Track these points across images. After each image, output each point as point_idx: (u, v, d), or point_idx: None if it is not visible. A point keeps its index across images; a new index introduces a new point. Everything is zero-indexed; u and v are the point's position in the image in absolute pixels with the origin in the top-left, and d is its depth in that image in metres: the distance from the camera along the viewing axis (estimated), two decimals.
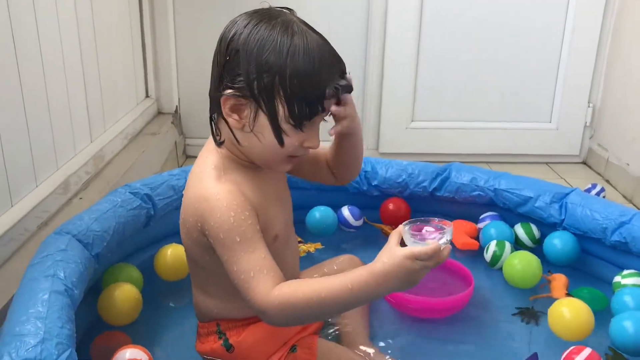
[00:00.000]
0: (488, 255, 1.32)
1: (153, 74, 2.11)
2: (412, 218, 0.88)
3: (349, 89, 0.88)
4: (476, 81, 2.19)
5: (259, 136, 0.87)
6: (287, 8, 0.91)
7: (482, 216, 1.44)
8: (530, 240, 1.37)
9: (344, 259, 1.20)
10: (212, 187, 0.88)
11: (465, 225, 1.43)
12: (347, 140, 1.00)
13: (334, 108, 0.88)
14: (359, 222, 1.48)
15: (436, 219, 0.86)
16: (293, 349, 1.00)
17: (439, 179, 1.46)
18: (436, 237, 0.82)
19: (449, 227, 0.84)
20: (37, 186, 1.30)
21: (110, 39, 1.74)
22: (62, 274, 0.88)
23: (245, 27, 0.86)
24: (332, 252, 1.33)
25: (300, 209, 1.42)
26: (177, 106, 2.19)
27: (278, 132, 0.85)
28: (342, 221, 1.47)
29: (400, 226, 0.85)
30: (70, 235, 0.99)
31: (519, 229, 1.38)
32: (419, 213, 1.50)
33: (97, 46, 1.62)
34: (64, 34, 1.42)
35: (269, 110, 0.84)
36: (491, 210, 1.44)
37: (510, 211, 1.41)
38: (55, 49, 1.38)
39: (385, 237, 1.47)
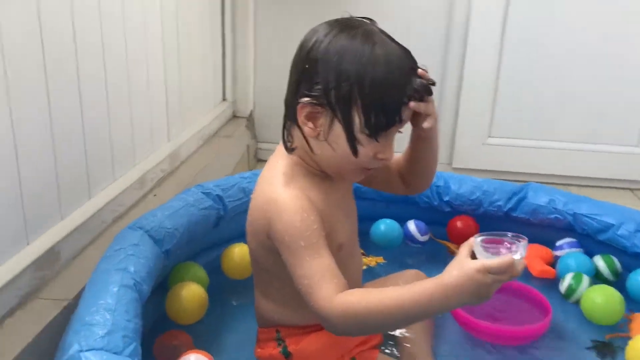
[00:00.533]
0: (563, 287, 1.25)
1: (231, 78, 2.15)
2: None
3: (428, 89, 0.87)
4: (560, 98, 2.10)
5: (333, 145, 0.87)
6: (368, 18, 0.91)
7: (559, 242, 1.37)
8: (611, 274, 1.28)
9: (410, 274, 1.17)
10: (280, 191, 0.88)
11: (541, 250, 1.36)
12: (424, 144, 0.98)
13: (414, 104, 0.86)
14: (425, 238, 1.44)
15: (509, 233, 0.82)
16: None
17: (514, 199, 1.41)
18: (510, 250, 0.79)
19: (524, 240, 0.80)
20: (115, 180, 1.34)
21: (192, 42, 1.78)
22: (132, 268, 0.90)
23: (325, 35, 0.86)
24: (395, 267, 1.30)
25: (366, 220, 1.41)
26: (251, 110, 2.22)
27: (352, 142, 0.86)
28: (407, 235, 1.44)
29: (472, 238, 0.82)
30: (142, 231, 1.01)
31: (600, 261, 1.29)
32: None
33: (179, 48, 1.67)
34: (148, 35, 1.46)
35: (345, 119, 0.85)
36: (568, 236, 1.37)
37: (589, 238, 1.34)
38: (139, 47, 1.43)
39: (451, 255, 1.43)
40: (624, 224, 1.28)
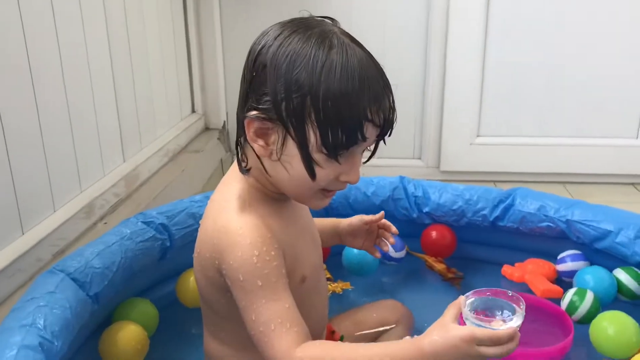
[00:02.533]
0: (564, 304, 1.09)
1: (200, 88, 2.02)
2: (471, 289, 0.76)
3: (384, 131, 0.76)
4: (551, 91, 1.96)
5: (287, 166, 0.75)
6: (329, 18, 0.78)
7: (561, 255, 1.21)
8: (639, 287, 1.11)
9: (386, 305, 1.05)
10: (234, 219, 0.76)
11: (543, 266, 1.21)
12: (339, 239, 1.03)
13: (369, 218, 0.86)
14: (401, 254, 1.30)
15: (509, 293, 0.72)
16: None
17: (501, 207, 1.27)
18: (505, 319, 0.69)
19: (522, 307, 0.70)
20: (55, 211, 1.21)
21: (149, 54, 1.65)
22: (41, 323, 0.77)
23: (275, 38, 0.74)
24: (370, 289, 1.17)
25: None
26: (224, 121, 2.09)
27: (309, 163, 0.74)
28: (381, 253, 1.30)
29: (462, 298, 0.72)
30: (64, 274, 0.88)
31: (621, 274, 1.12)
32: (475, 245, 1.33)
33: (132, 61, 1.54)
34: (91, 48, 1.33)
35: (299, 136, 0.73)
36: (571, 248, 1.21)
37: (586, 247, 1.20)
38: (79, 62, 1.30)
39: (429, 270, 1.30)
40: (623, 230, 1.14)
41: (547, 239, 1.25)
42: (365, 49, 0.76)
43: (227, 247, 0.75)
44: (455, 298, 1.19)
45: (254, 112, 0.74)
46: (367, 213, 1.30)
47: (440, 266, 1.29)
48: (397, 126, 2.23)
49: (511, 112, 1.99)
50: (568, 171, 2.00)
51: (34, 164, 1.15)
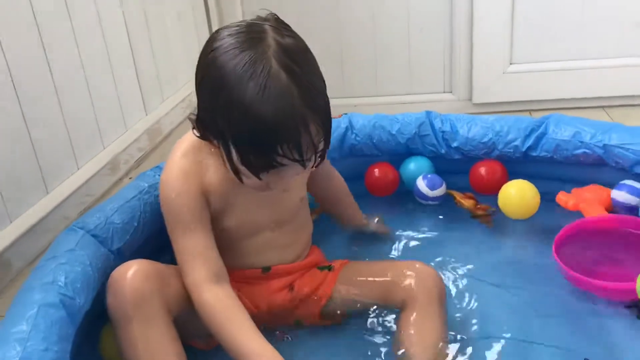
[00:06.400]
0: None
1: None
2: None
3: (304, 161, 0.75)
4: (588, 11, 1.83)
5: (224, 161, 0.80)
6: (273, 23, 0.77)
7: (621, 182, 1.12)
8: None
9: (408, 268, 0.93)
10: (173, 159, 0.84)
11: (602, 194, 1.13)
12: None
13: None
14: (437, 192, 1.24)
15: None
16: None
17: (533, 136, 1.20)
18: None
19: None
20: (78, 169, 1.21)
21: (164, 2, 1.61)
22: (62, 280, 0.77)
23: (219, 49, 0.74)
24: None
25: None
26: None
27: (235, 171, 0.78)
28: (418, 194, 1.26)
29: None
30: (83, 232, 0.88)
31: None
32: (517, 175, 1.26)
33: (145, 6, 1.50)
34: (100, 2, 1.30)
35: (224, 149, 0.77)
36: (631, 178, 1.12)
37: (625, 172, 1.14)
38: (89, 15, 1.27)
39: (458, 207, 1.25)
40: None
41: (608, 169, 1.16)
42: (296, 71, 0.72)
43: (160, 182, 0.85)
44: (484, 236, 1.15)
45: (193, 116, 0.79)
46: (392, 153, 1.29)
47: (469, 202, 1.24)
48: (424, 60, 2.12)
49: (545, 35, 1.87)
50: (608, 94, 1.89)
51: (52, 123, 1.14)
